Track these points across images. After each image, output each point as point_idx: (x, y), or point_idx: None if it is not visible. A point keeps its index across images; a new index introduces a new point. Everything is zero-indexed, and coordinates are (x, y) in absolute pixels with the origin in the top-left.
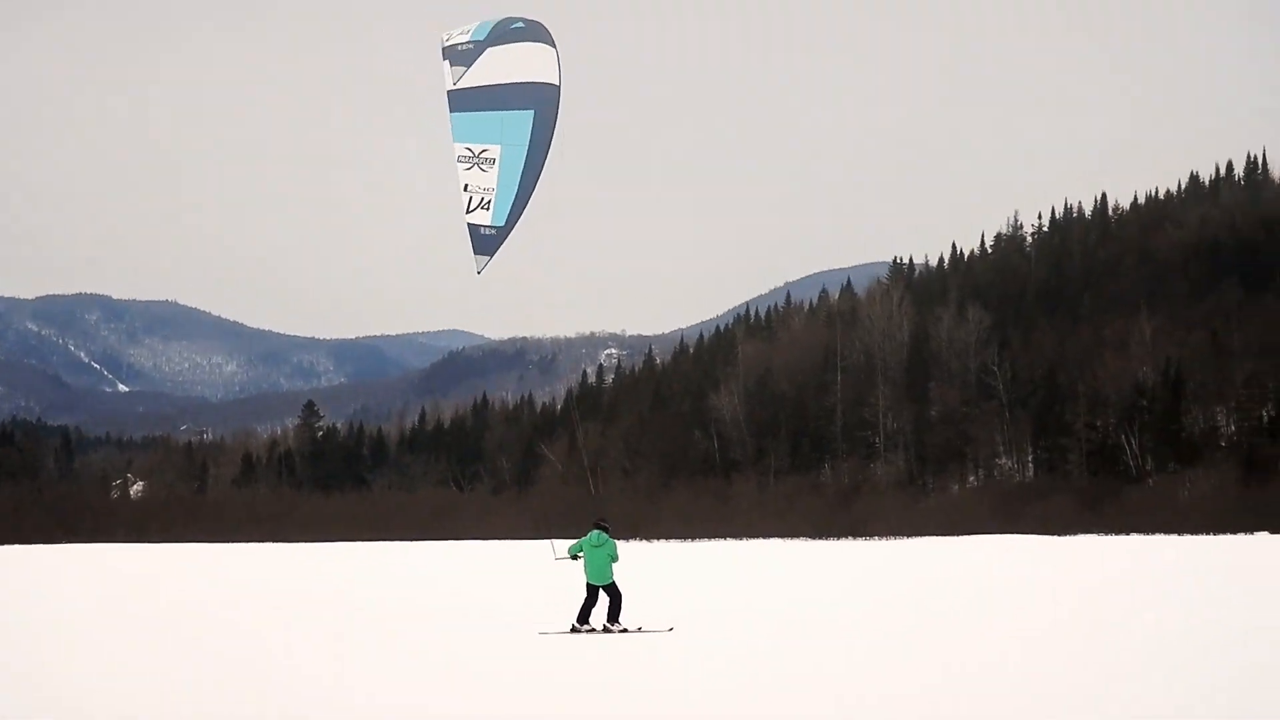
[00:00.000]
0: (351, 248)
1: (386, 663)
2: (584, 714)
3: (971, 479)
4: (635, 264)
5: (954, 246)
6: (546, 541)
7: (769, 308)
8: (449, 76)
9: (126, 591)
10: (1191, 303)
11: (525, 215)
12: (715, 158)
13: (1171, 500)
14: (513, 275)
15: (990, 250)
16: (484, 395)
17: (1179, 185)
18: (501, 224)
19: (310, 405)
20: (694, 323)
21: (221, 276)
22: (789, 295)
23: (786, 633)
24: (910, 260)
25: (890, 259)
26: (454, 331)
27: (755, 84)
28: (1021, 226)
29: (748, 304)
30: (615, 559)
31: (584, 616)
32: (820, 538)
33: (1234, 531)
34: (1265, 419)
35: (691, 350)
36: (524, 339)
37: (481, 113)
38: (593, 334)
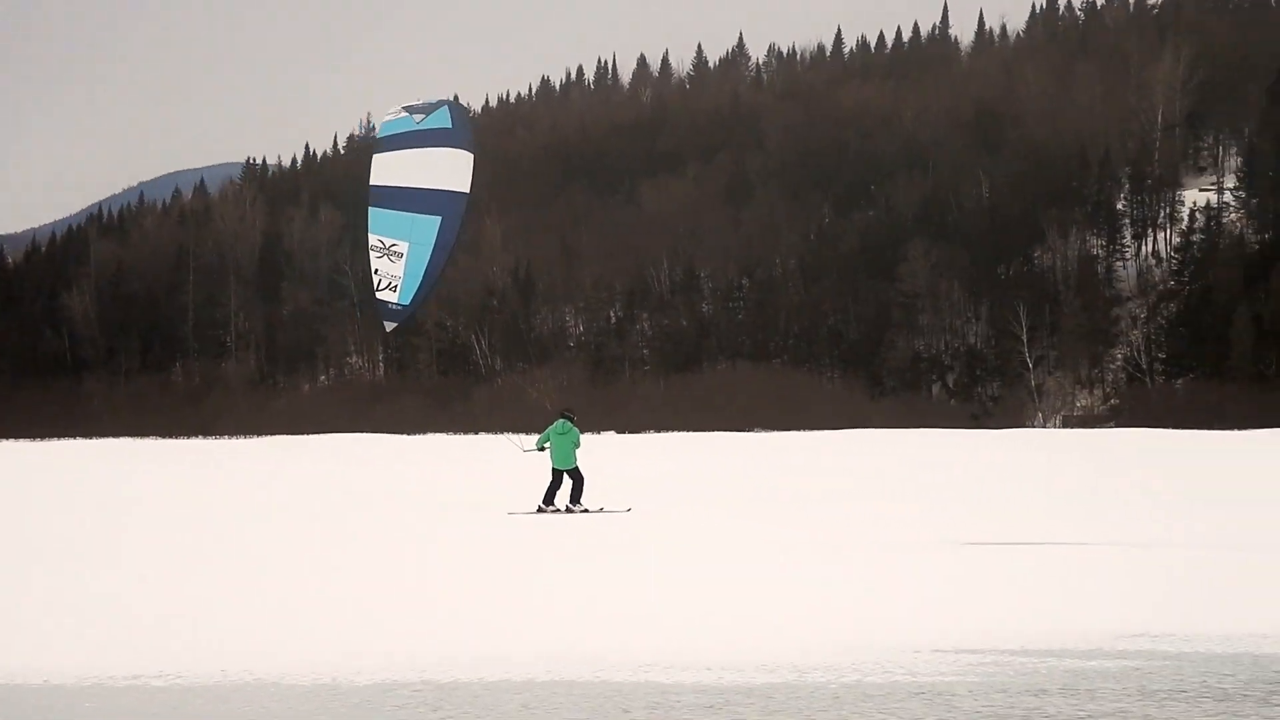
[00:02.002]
0: None
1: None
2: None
3: (323, 378)
4: None
5: (307, 148)
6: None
7: (122, 207)
8: (373, 169)
9: None
10: (542, 205)
11: None
12: (64, 48)
13: (520, 400)
14: None
15: (343, 151)
16: None
17: (530, 89)
18: (407, 303)
19: None
20: (46, 222)
21: None
22: (142, 195)
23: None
24: (264, 161)
25: (244, 159)
26: None
27: None
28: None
29: (101, 203)
30: (578, 445)
31: (549, 498)
32: (170, 436)
33: (582, 431)
34: (612, 319)
35: (43, 249)
36: None
37: (395, 211)
38: None
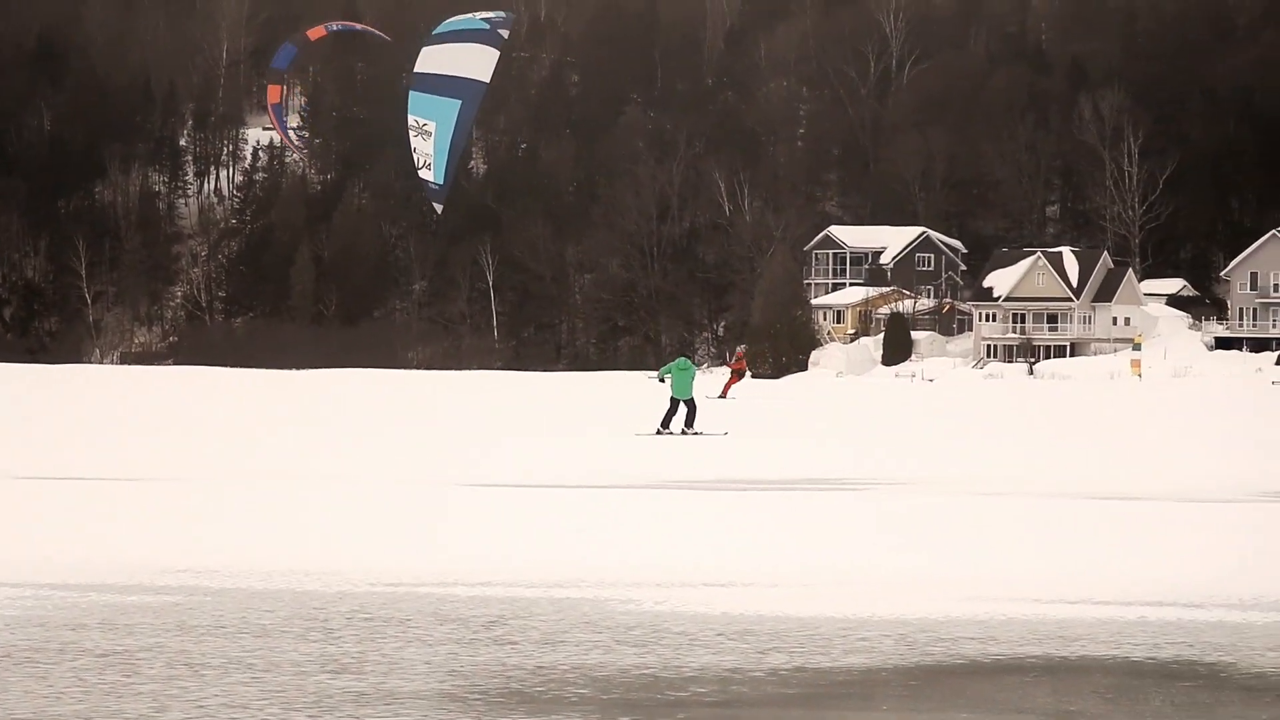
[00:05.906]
0: None
1: None
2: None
3: None
4: None
5: None
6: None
7: None
8: (419, 59)
9: None
10: None
11: None
12: None
13: None
14: None
15: None
16: None
17: None
18: (442, 181)
19: None
20: None
21: None
22: None
23: None
24: None
25: None
26: None
27: None
28: None
29: None
30: (694, 379)
31: (667, 422)
32: None
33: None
34: None
35: None
36: None
37: (425, 94)
38: None
